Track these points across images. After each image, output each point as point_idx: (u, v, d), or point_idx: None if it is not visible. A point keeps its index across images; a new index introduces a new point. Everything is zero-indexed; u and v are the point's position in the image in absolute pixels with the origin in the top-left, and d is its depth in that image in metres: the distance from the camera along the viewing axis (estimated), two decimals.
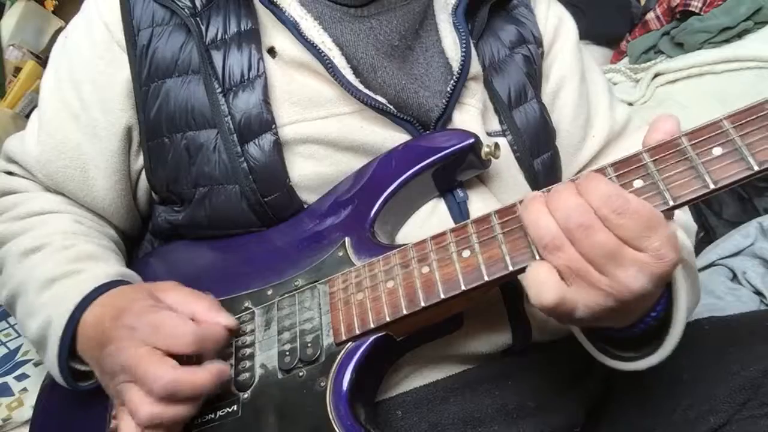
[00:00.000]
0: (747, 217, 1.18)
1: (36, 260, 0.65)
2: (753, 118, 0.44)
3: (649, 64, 1.48)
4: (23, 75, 1.39)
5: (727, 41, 1.36)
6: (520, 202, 0.50)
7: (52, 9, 1.50)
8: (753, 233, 1.12)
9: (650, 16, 1.54)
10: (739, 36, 1.36)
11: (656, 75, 1.42)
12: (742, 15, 1.33)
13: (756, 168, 0.43)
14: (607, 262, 0.43)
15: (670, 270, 0.44)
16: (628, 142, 0.78)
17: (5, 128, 1.31)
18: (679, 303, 0.51)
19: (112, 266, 0.65)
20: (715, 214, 1.22)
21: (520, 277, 0.56)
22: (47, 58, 0.78)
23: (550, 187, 0.49)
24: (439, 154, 0.61)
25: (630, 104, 1.41)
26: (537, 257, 0.47)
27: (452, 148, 0.60)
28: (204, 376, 0.52)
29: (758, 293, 1.04)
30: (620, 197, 0.43)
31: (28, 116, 1.33)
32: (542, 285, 0.45)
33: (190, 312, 0.55)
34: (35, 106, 0.76)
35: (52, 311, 0.60)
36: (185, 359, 0.53)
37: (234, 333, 0.58)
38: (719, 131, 0.45)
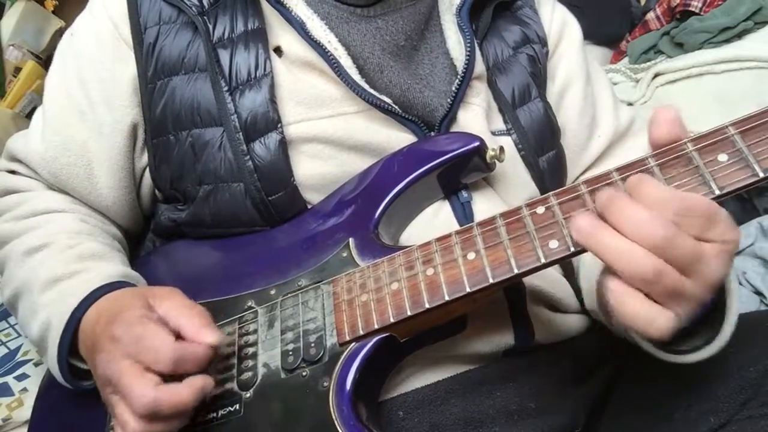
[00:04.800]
0: (747, 217, 1.18)
1: (40, 259, 0.65)
2: (758, 124, 0.44)
3: (649, 64, 1.48)
4: (23, 75, 1.38)
5: (727, 41, 1.36)
6: (526, 205, 0.50)
7: (52, 9, 1.49)
8: (753, 233, 1.12)
9: (650, 16, 1.54)
10: (739, 36, 1.36)
11: (656, 75, 1.42)
12: (742, 15, 1.33)
13: (761, 174, 0.43)
14: (692, 264, 0.43)
15: (737, 249, 0.44)
16: (632, 143, 0.79)
17: (5, 128, 1.30)
18: (731, 285, 0.51)
19: (115, 266, 0.65)
20: None
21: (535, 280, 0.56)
22: (47, 58, 0.78)
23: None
24: (444, 157, 0.61)
25: (630, 104, 1.41)
26: (543, 260, 0.48)
27: (457, 151, 0.61)
28: (185, 393, 0.51)
29: (758, 293, 1.04)
30: (677, 198, 0.43)
31: (28, 116, 1.33)
32: (653, 321, 0.43)
33: (178, 325, 0.54)
34: (35, 106, 0.76)
35: (53, 311, 0.60)
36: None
37: (221, 349, 0.57)
38: (724, 137, 0.45)
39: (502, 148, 0.62)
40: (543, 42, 0.75)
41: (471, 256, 0.51)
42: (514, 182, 0.67)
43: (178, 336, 0.53)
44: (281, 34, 0.66)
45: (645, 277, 0.42)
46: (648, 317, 0.43)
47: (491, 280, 0.49)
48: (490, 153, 0.62)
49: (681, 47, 1.44)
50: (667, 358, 0.54)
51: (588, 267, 0.67)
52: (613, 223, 0.44)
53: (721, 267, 0.43)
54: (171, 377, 0.52)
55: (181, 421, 0.53)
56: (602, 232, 0.44)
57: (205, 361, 0.53)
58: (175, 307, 0.55)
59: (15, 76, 1.38)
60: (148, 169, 0.71)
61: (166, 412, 0.51)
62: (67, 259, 0.64)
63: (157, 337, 0.52)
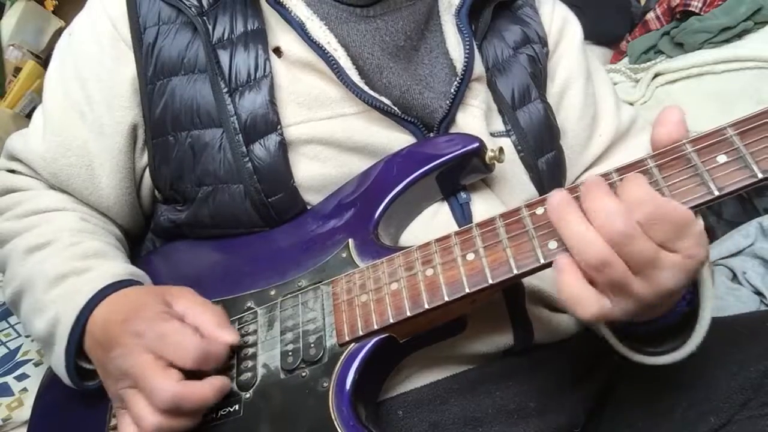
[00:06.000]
0: (747, 217, 1.18)
1: (43, 257, 0.65)
2: (757, 125, 0.44)
3: (649, 64, 1.48)
4: (23, 75, 1.38)
5: (727, 41, 1.36)
6: (526, 206, 0.50)
7: (52, 9, 1.49)
8: (753, 233, 1.12)
9: (650, 16, 1.54)
10: (739, 36, 1.36)
11: (656, 75, 1.42)
12: (742, 15, 1.33)
13: (760, 175, 0.43)
14: (645, 267, 0.44)
15: (701, 266, 0.45)
16: (634, 142, 0.79)
17: (5, 128, 1.30)
18: (706, 293, 0.52)
19: (120, 265, 0.65)
20: (715, 214, 1.22)
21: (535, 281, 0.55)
22: (47, 58, 0.78)
23: (573, 187, 0.48)
24: (444, 158, 0.61)
25: (630, 104, 1.41)
26: (542, 261, 0.48)
27: (456, 152, 0.61)
28: (207, 390, 0.52)
29: (758, 293, 1.04)
30: (653, 202, 0.43)
31: (28, 116, 1.33)
32: (583, 301, 0.45)
33: (197, 323, 0.55)
34: (35, 106, 0.75)
35: (61, 309, 0.60)
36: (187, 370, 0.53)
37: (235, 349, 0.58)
38: (723, 138, 0.45)
39: (501, 150, 0.62)
40: (543, 42, 0.75)
41: (470, 256, 0.51)
42: (513, 183, 0.67)
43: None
44: (281, 35, 0.66)
45: (591, 262, 0.44)
46: (579, 296, 0.45)
47: (490, 281, 0.49)
48: (489, 154, 0.62)
49: (681, 47, 1.44)
50: (630, 356, 0.55)
51: None
52: (585, 207, 0.45)
53: (676, 278, 0.44)
54: (187, 376, 0.53)
55: (196, 419, 0.53)
56: (569, 212, 0.45)
57: (224, 359, 0.55)
58: (193, 305, 0.57)
59: (15, 76, 1.39)
60: (148, 170, 0.71)
61: (187, 408, 0.51)
62: (71, 257, 0.64)
63: (182, 334, 0.53)
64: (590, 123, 0.76)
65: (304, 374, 0.55)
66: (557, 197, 0.46)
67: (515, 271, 0.49)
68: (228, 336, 0.55)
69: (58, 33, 1.44)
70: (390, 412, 0.60)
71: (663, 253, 0.44)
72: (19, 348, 1.07)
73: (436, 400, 0.61)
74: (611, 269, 0.44)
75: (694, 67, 1.35)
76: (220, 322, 0.56)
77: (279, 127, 0.63)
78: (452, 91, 0.66)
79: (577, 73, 0.76)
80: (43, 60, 1.42)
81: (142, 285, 0.63)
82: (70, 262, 0.63)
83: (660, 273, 0.44)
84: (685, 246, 0.44)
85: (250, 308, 0.61)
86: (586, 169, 0.77)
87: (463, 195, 0.64)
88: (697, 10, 1.41)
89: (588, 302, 0.45)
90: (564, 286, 0.45)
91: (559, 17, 0.78)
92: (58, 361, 0.61)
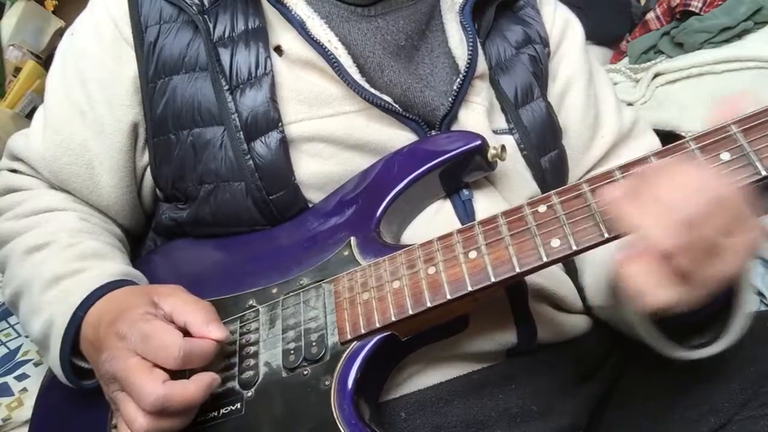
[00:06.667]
0: None
1: (41, 258, 0.65)
2: (761, 122, 0.44)
3: (649, 64, 1.48)
4: (23, 75, 1.38)
5: (727, 41, 1.36)
6: (528, 203, 0.50)
7: (52, 9, 1.49)
8: None
9: (650, 16, 1.54)
10: (739, 36, 1.36)
11: (656, 75, 1.42)
12: (742, 15, 1.33)
13: (764, 173, 0.43)
14: (708, 255, 0.42)
15: (757, 246, 0.44)
16: (636, 144, 0.78)
17: (5, 128, 1.30)
18: (745, 281, 0.51)
19: (116, 265, 0.65)
20: None
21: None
22: (47, 58, 0.78)
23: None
24: (446, 156, 0.61)
25: (630, 104, 1.41)
26: (544, 259, 0.48)
27: (459, 150, 0.61)
28: (193, 389, 0.51)
29: (758, 293, 1.04)
30: (717, 184, 0.42)
31: (28, 116, 1.33)
32: (652, 289, 0.43)
33: (184, 321, 0.54)
34: (35, 106, 0.76)
35: (56, 310, 0.60)
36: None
37: (223, 347, 0.57)
38: (727, 136, 0.45)
39: (503, 147, 0.62)
40: (545, 42, 0.75)
41: (472, 254, 0.51)
42: (516, 181, 0.67)
43: (185, 332, 0.54)
44: (281, 33, 0.66)
45: (666, 248, 0.42)
46: (647, 287, 0.43)
47: (493, 279, 0.49)
48: (491, 152, 0.62)
49: (681, 47, 1.44)
50: (673, 354, 0.54)
51: (597, 263, 0.67)
52: (647, 193, 0.43)
53: (736, 263, 0.43)
54: (176, 373, 0.52)
55: (188, 418, 0.53)
56: (638, 197, 0.43)
57: (211, 356, 0.54)
58: (181, 303, 0.56)
59: (15, 76, 1.38)
60: (149, 169, 0.71)
61: (175, 408, 0.51)
62: (69, 258, 0.63)
63: (165, 334, 0.52)
64: (593, 123, 0.76)
65: (305, 372, 0.55)
66: (616, 189, 0.45)
67: (517, 270, 0.49)
68: (215, 332, 0.53)
69: (58, 33, 1.43)
70: (393, 413, 0.60)
71: (725, 240, 0.43)
72: (19, 348, 1.07)
73: (440, 402, 0.60)
74: (683, 257, 0.42)
75: (694, 67, 1.35)
76: (209, 318, 0.54)
77: (280, 124, 0.63)
78: (455, 88, 0.66)
79: (579, 73, 0.77)
80: (43, 60, 1.42)
81: (136, 285, 0.63)
82: (67, 263, 0.63)
83: (722, 259, 0.43)
84: (746, 229, 0.43)
85: (251, 306, 0.61)
86: (589, 170, 0.77)
87: (465, 192, 0.64)
88: (697, 10, 1.41)
89: (657, 291, 0.43)
90: (631, 275, 0.44)
91: (561, 18, 0.78)
92: (54, 362, 0.61)
